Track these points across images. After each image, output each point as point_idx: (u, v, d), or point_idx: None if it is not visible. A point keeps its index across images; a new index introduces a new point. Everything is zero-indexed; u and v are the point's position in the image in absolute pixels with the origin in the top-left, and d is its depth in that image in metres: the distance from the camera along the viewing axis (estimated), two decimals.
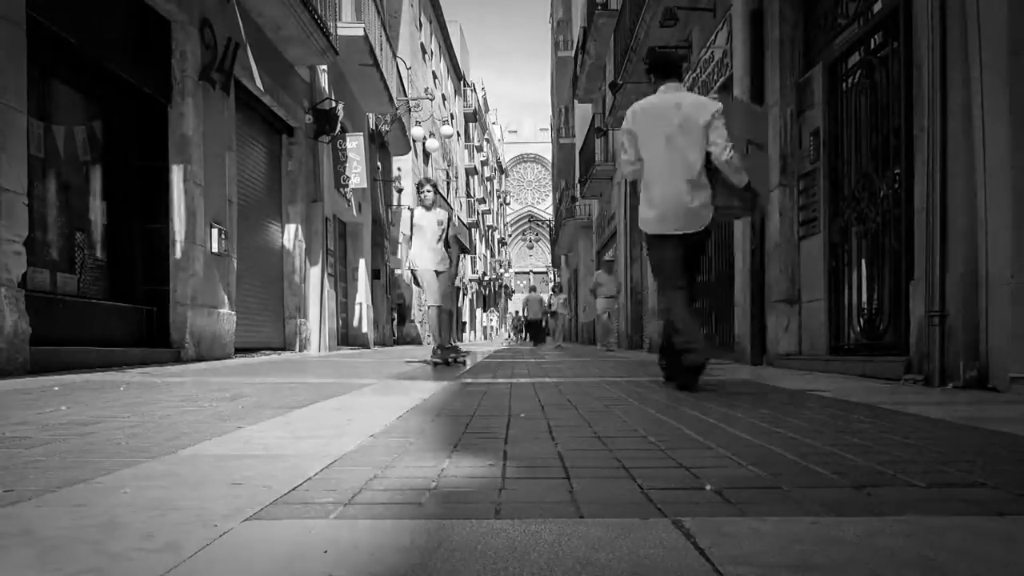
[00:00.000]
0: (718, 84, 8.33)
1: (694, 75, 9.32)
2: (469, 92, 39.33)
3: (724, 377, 5.15)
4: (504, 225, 66.30)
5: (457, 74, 35.46)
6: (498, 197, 58.75)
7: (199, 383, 4.56)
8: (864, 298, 5.62)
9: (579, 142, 23.55)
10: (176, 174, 7.66)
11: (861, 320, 5.61)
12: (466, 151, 38.71)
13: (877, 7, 5.40)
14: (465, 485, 1.54)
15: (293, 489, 1.48)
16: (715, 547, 1.06)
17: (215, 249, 8.21)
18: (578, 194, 22.72)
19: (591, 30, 16.12)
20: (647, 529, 1.17)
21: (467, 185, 39.38)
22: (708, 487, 1.51)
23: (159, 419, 2.72)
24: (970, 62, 4.09)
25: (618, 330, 15.73)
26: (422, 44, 24.90)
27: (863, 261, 5.63)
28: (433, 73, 27.32)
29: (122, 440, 2.20)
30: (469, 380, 4.94)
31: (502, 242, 61.53)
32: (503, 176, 64.65)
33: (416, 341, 21.95)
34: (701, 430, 2.38)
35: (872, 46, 5.45)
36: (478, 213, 43.03)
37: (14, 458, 1.89)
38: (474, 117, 40.20)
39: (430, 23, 27.29)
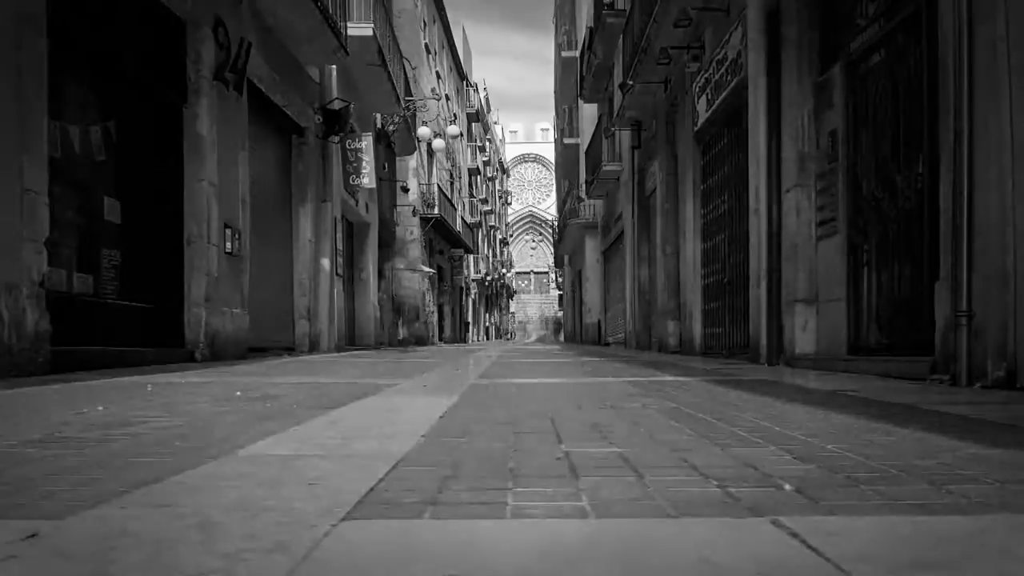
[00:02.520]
0: (732, 84, 8.33)
1: (706, 75, 9.32)
2: (471, 92, 39.31)
3: (746, 377, 5.14)
4: (505, 225, 66.33)
5: (460, 74, 35.45)
6: (500, 197, 58.75)
7: (224, 383, 4.55)
8: (885, 298, 5.62)
9: (584, 142, 23.54)
10: (190, 174, 7.67)
11: (882, 320, 5.61)
12: (469, 151, 38.72)
13: (899, 7, 5.39)
14: (540, 484, 1.53)
15: (371, 490, 1.47)
16: (827, 546, 1.06)
17: (229, 249, 8.21)
18: (583, 194, 22.72)
19: (598, 30, 16.12)
20: (749, 528, 1.17)
21: (470, 185, 39.38)
22: (787, 486, 1.51)
23: (201, 419, 2.71)
24: (998, 62, 4.09)
25: (626, 330, 15.75)
26: (426, 44, 24.91)
27: (883, 261, 5.63)
28: (437, 73, 27.32)
29: (174, 440, 2.19)
30: (494, 380, 4.94)
31: (504, 242, 61.55)
32: (504, 176, 64.70)
33: (422, 341, 21.95)
34: (751, 429, 2.38)
35: (893, 46, 5.45)
36: (481, 213, 43.02)
37: (75, 458, 1.88)
38: (476, 117, 40.18)
39: (434, 23, 27.29)
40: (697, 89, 9.76)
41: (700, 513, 1.28)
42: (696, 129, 10.01)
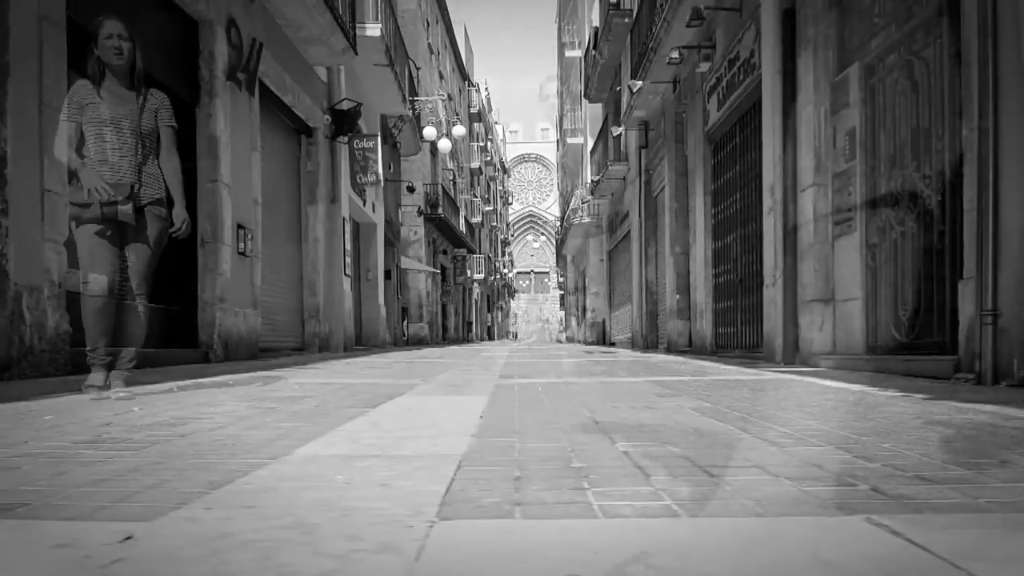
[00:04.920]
0: (744, 84, 8.33)
1: (718, 75, 9.32)
2: (473, 92, 39.31)
3: (768, 376, 5.14)
4: (506, 225, 66.32)
5: (462, 74, 35.45)
6: (501, 197, 58.75)
7: (247, 384, 4.54)
8: (904, 297, 5.61)
9: (589, 142, 23.54)
10: (204, 175, 7.66)
11: (903, 319, 5.61)
12: (471, 151, 38.72)
13: (919, 6, 5.39)
14: (615, 484, 1.53)
15: (448, 491, 1.47)
16: (934, 543, 1.06)
17: (241, 249, 8.20)
18: (589, 194, 22.72)
19: (605, 30, 16.12)
20: (848, 527, 1.16)
21: (472, 185, 39.38)
22: (861, 485, 1.50)
23: (242, 420, 2.71)
24: None
25: (633, 330, 15.74)
26: (429, 44, 24.91)
27: (903, 260, 5.63)
28: (440, 73, 27.32)
29: (226, 441, 2.19)
30: (517, 380, 4.93)
31: (505, 242, 61.55)
32: (505, 176, 64.70)
33: (426, 341, 21.95)
34: (798, 428, 2.38)
35: (913, 45, 5.45)
36: (482, 213, 43.01)
37: (133, 460, 1.88)
38: (478, 117, 40.19)
39: (437, 23, 27.29)
40: (708, 89, 9.76)
41: (790, 512, 1.28)
42: (707, 129, 10.01)
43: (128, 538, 1.13)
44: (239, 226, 8.16)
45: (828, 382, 4.52)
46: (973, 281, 4.37)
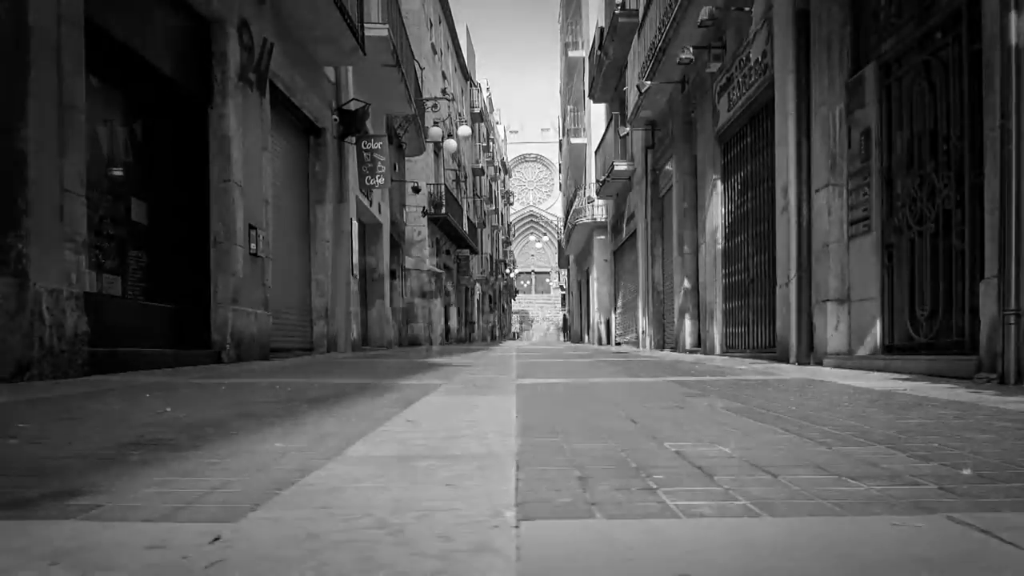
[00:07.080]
0: (756, 84, 8.33)
1: (728, 75, 9.32)
2: (476, 92, 39.31)
3: (787, 376, 5.15)
4: (507, 225, 66.32)
5: (464, 74, 35.45)
6: (502, 197, 58.76)
7: (269, 384, 4.55)
8: (923, 297, 5.62)
9: (593, 142, 23.53)
10: (216, 175, 7.67)
11: (921, 319, 5.61)
12: (473, 151, 38.71)
13: (937, 5, 5.39)
14: (682, 484, 1.53)
15: (517, 491, 1.47)
16: (1020, 540, 1.06)
17: (253, 250, 8.20)
18: (594, 194, 22.72)
19: (610, 31, 16.12)
20: (934, 525, 1.16)
21: (475, 185, 39.37)
22: (925, 484, 1.51)
23: (277, 419, 2.71)
24: None
25: (639, 330, 15.74)
26: (432, 44, 24.91)
27: (921, 260, 5.63)
28: (443, 73, 27.33)
29: (273, 441, 2.18)
30: (537, 380, 4.93)
31: (506, 242, 61.54)
32: (506, 176, 64.71)
33: (430, 341, 21.95)
34: (839, 427, 2.38)
35: (930, 46, 5.45)
36: (484, 213, 43.01)
37: (187, 460, 1.88)
38: (480, 117, 40.19)
39: (440, 23, 27.29)
40: (718, 89, 9.76)
41: (868, 511, 1.28)
42: (717, 128, 10.01)
43: (217, 539, 1.13)
44: (250, 226, 8.16)
45: (850, 381, 4.52)
46: (995, 280, 4.38)
